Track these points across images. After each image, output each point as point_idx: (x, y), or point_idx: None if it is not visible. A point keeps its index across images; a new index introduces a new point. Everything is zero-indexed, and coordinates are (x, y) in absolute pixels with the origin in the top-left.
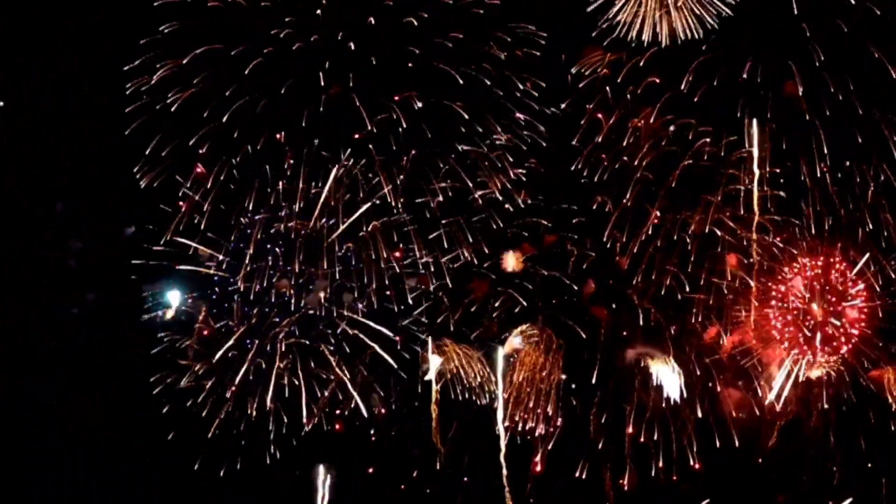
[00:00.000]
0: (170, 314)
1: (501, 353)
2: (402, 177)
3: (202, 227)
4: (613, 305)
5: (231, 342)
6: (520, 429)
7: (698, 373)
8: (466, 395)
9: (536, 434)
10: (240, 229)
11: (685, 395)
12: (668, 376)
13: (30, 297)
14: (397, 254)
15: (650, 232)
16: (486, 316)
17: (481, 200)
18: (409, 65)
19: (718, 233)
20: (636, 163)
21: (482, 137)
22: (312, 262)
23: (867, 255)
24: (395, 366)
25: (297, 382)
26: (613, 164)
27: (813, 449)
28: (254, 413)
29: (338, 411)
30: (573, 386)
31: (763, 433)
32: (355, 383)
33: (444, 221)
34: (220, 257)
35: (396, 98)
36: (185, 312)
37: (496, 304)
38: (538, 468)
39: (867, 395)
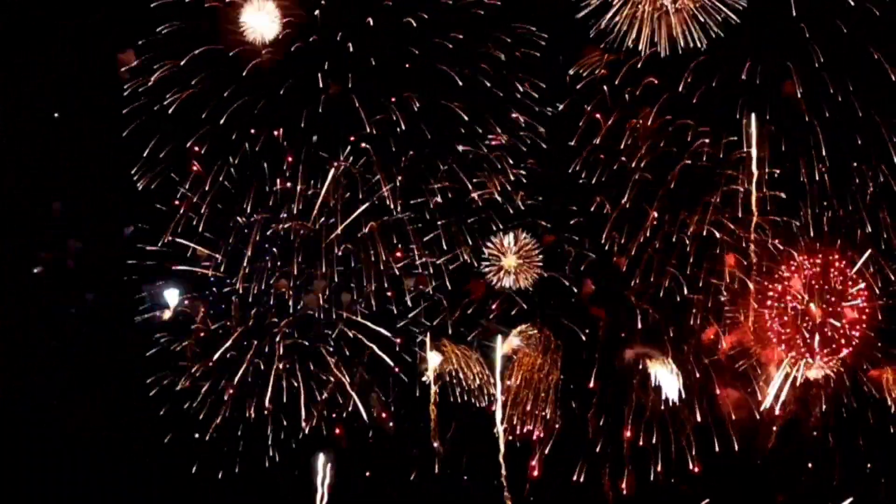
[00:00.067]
0: (167, 314)
1: (500, 353)
2: (400, 177)
3: (200, 227)
4: (612, 306)
5: (229, 343)
6: (518, 432)
7: (697, 375)
8: (465, 398)
9: (534, 437)
10: (238, 230)
11: (684, 396)
12: (666, 377)
13: (29, 298)
14: (399, 254)
15: (649, 233)
16: (484, 317)
17: (480, 202)
18: (409, 65)
19: (717, 234)
20: (634, 164)
21: (481, 138)
22: (311, 262)
23: (868, 252)
24: (394, 366)
25: (295, 384)
26: (612, 164)
27: (812, 449)
28: (252, 415)
29: (334, 415)
30: (571, 387)
31: (762, 433)
32: (354, 384)
33: (440, 223)
34: (219, 258)
35: (392, 99)
36: (183, 313)
37: (493, 307)
38: (535, 473)
39: (866, 396)
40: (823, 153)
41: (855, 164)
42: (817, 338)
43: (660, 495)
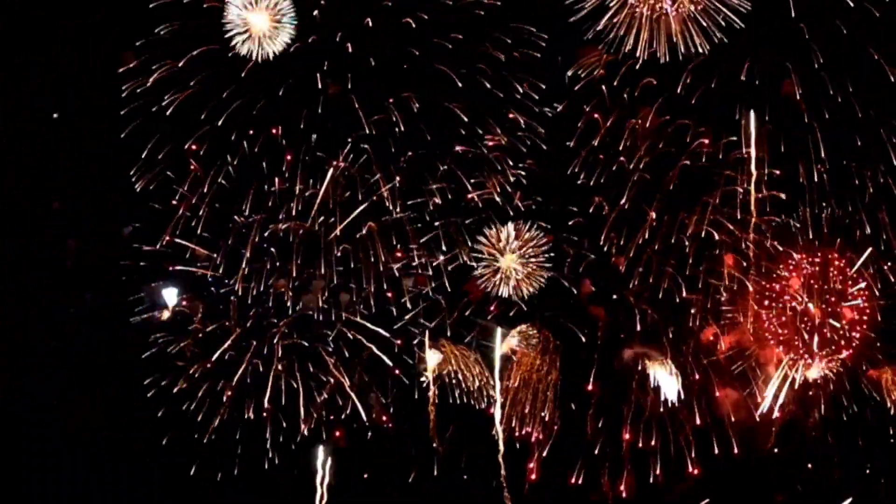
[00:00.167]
0: (166, 314)
1: (499, 353)
2: (399, 178)
3: (199, 228)
4: (611, 307)
5: (228, 343)
6: (516, 434)
7: (697, 376)
8: (465, 400)
9: (533, 439)
10: (237, 230)
11: (683, 396)
12: (665, 378)
13: (28, 298)
14: (398, 254)
15: (647, 233)
16: (482, 317)
17: (480, 202)
18: (408, 66)
19: (716, 234)
20: (633, 164)
21: (481, 139)
22: (310, 263)
23: (869, 250)
24: (393, 366)
25: (294, 385)
26: (611, 165)
27: (811, 449)
28: (251, 415)
29: (331, 416)
30: (570, 387)
31: (761, 434)
32: (353, 385)
33: (436, 224)
34: (217, 258)
35: (392, 100)
36: (182, 313)
37: (492, 308)
38: (533, 476)
39: (866, 396)
40: (822, 154)
41: (854, 165)
42: (816, 339)
43: (659, 494)
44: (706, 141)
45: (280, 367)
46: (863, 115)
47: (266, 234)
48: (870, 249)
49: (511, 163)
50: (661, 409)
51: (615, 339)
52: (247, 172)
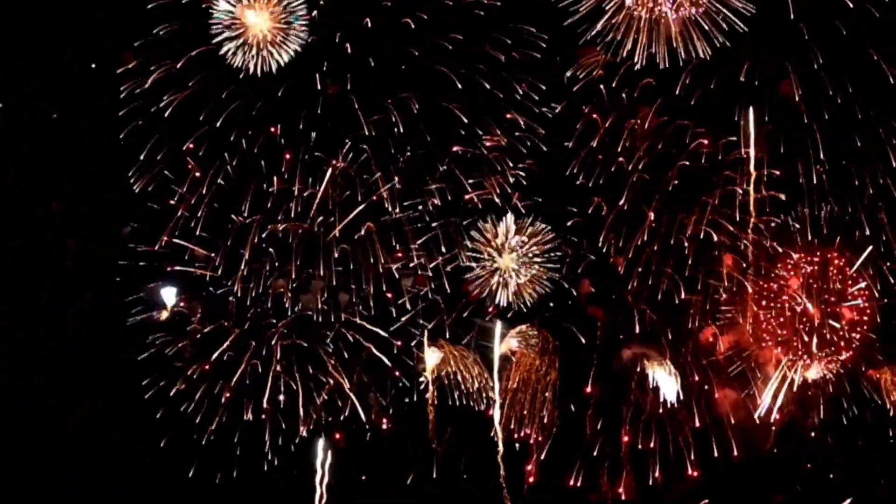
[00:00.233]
0: (165, 315)
1: (497, 353)
2: (398, 178)
3: (198, 228)
4: (610, 307)
5: (227, 344)
6: (515, 435)
7: (696, 377)
8: (464, 401)
9: (532, 440)
10: (236, 230)
11: (682, 397)
12: (664, 379)
13: (28, 298)
14: (397, 255)
15: (646, 234)
16: (481, 317)
17: (479, 203)
18: (407, 66)
19: (715, 235)
20: (632, 165)
21: (480, 139)
22: (309, 263)
23: (869, 250)
24: (392, 367)
25: (293, 385)
26: (610, 165)
27: (811, 450)
28: (250, 416)
29: (330, 417)
30: (569, 388)
31: (760, 434)
32: (352, 385)
33: (435, 224)
34: (216, 258)
35: (391, 100)
36: (180, 314)
37: (490, 308)
38: (532, 477)
39: (865, 397)
40: (822, 154)
41: (854, 165)
42: (815, 339)
43: (659, 494)
44: (705, 141)
45: (279, 367)
46: (862, 116)
47: (265, 235)
48: (869, 249)
49: (510, 163)
50: (661, 410)
51: (614, 339)
52: (245, 173)
